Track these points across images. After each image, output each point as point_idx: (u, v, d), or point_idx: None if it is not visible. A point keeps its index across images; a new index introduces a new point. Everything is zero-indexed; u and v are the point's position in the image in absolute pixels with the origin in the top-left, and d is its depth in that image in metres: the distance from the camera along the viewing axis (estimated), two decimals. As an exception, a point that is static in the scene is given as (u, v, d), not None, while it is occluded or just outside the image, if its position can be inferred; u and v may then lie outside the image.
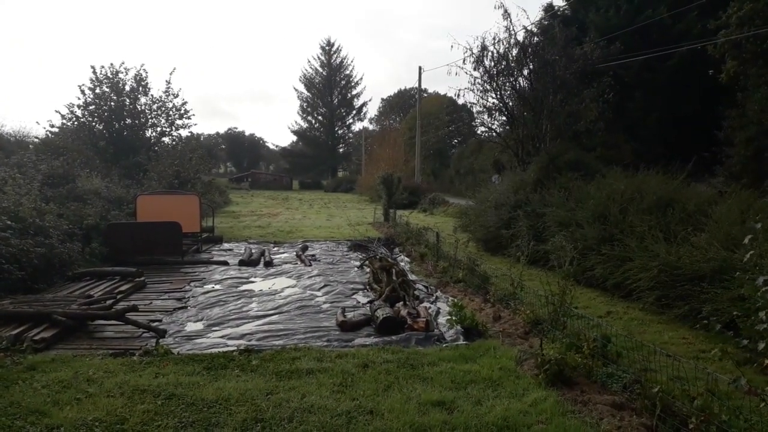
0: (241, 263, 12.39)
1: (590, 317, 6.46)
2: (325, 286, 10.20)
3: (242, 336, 7.01)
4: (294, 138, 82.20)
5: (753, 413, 4.15)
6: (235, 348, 6.35)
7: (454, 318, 7.37)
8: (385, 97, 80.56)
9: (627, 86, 22.36)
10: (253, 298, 9.14)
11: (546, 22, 20.41)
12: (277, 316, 8.05)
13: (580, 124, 16.42)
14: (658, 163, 12.74)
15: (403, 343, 6.66)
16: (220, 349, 6.37)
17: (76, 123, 22.95)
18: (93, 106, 22.96)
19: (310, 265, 12.33)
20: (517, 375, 5.52)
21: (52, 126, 23.10)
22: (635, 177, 11.77)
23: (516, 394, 5.05)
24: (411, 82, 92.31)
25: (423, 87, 45.41)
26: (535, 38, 17.18)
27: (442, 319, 7.84)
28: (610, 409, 4.73)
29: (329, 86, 76.62)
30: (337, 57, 77.19)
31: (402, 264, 12.19)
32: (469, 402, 4.85)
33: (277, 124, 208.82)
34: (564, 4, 25.93)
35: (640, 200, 10.51)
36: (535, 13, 32.56)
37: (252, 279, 10.91)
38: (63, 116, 22.80)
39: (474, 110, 18.94)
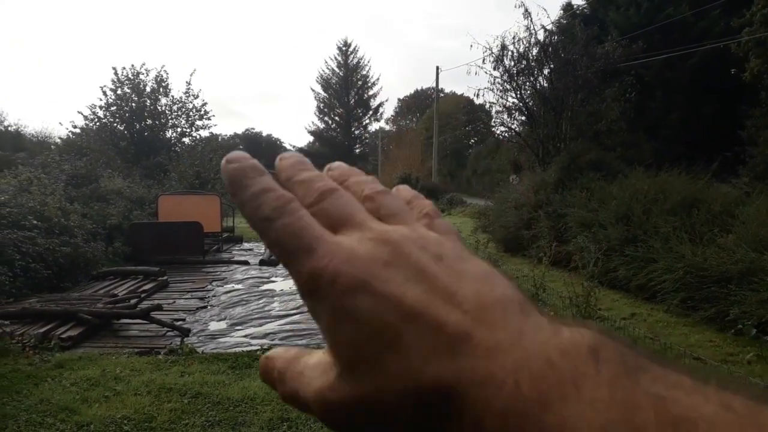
0: (262, 263, 12.46)
1: (615, 319, 6.40)
2: (345, 285, 10.19)
3: (265, 335, 7.05)
4: (311, 138, 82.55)
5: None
6: (259, 347, 6.39)
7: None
8: (401, 98, 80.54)
9: (647, 85, 22.10)
10: (275, 298, 9.18)
11: (564, 21, 20.24)
12: (298, 315, 8.07)
13: (601, 124, 16.23)
14: (679, 163, 12.57)
15: (426, 344, 6.63)
16: (244, 349, 6.41)
17: (97, 124, 23.27)
18: (114, 107, 23.23)
19: (330, 265, 12.34)
20: (542, 377, 5.47)
21: (75, 127, 23.49)
22: (658, 177, 11.60)
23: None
24: (427, 83, 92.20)
25: (440, 87, 45.23)
26: (555, 37, 17.02)
27: (463, 320, 7.80)
28: (638, 413, 4.67)
29: (346, 87, 76.73)
30: (354, 57, 77.29)
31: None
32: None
33: (293, 124, 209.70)
34: (583, 2, 25.67)
35: (663, 201, 10.36)
36: (554, 13, 32.35)
37: (273, 278, 10.96)
38: (85, 117, 23.15)
39: (493, 110, 18.77)
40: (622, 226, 10.37)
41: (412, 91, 77.44)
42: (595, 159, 14.05)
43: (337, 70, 77.31)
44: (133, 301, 8.08)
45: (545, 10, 19.79)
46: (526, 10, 16.66)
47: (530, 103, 17.64)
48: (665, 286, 8.49)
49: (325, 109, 78.07)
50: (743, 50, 17.93)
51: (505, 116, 18.78)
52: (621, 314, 8.01)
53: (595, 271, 5.87)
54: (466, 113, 51.15)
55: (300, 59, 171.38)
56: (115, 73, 23.28)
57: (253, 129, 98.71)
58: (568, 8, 25.20)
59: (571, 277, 9.88)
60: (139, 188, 17.30)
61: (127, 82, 23.39)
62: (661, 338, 6.03)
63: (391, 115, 79.89)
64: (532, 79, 17.28)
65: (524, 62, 17.08)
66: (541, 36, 17.11)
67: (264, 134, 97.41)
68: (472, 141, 55.90)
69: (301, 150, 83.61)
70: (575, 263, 10.01)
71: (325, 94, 77.70)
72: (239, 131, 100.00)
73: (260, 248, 14.93)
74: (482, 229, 15.64)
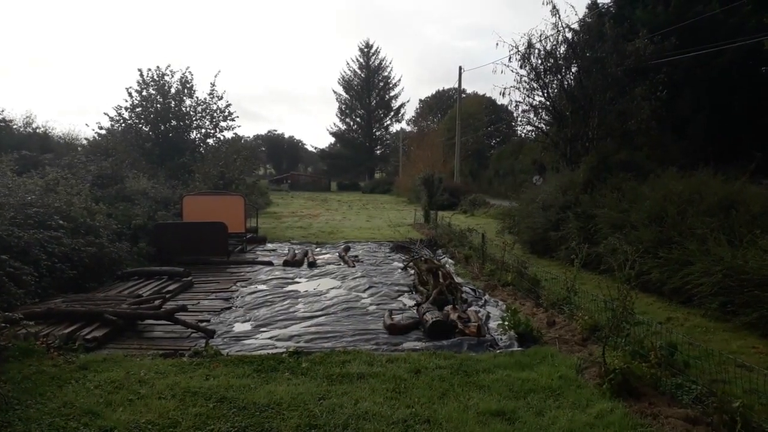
0: (285, 264, 12.37)
1: (651, 323, 6.12)
2: (369, 287, 10.06)
3: (290, 337, 6.91)
4: (332, 140, 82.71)
5: None
6: (284, 350, 6.25)
7: (507, 323, 7.10)
8: (423, 98, 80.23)
9: (676, 84, 21.55)
10: (299, 299, 9.06)
11: (589, 20, 19.81)
12: (324, 317, 7.94)
13: (631, 123, 15.82)
14: (710, 163, 12.18)
15: (455, 349, 6.44)
16: (269, 351, 6.29)
17: (123, 125, 23.47)
18: (140, 108, 23.40)
19: (354, 266, 12.22)
20: (578, 384, 5.24)
21: (101, 128, 23.70)
22: (693, 177, 11.23)
23: (579, 404, 4.78)
24: (449, 83, 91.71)
25: (462, 87, 44.84)
26: (584, 35, 16.65)
27: (492, 324, 7.59)
28: (684, 424, 4.42)
29: (367, 88, 76.78)
30: (375, 59, 77.34)
31: (447, 266, 11.95)
32: (530, 412, 4.60)
33: (315, 126, 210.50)
34: (609, 1, 25.13)
35: (699, 201, 10.00)
36: (581, 11, 31.78)
37: (297, 279, 10.86)
38: (111, 118, 23.35)
39: (519, 109, 18.42)
40: (655, 227, 10.04)
41: (434, 92, 77.11)
42: (626, 159, 13.69)
43: (358, 71, 77.48)
44: (157, 302, 8.01)
45: (573, 7, 19.40)
46: (554, 7, 16.34)
47: (557, 102, 17.30)
48: (702, 290, 8.18)
49: (347, 111, 78.22)
50: (775, 47, 17.32)
51: (532, 115, 18.45)
52: (656, 319, 7.69)
53: (632, 273, 5.59)
54: (487, 113, 50.72)
55: (322, 61, 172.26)
56: (141, 75, 23.48)
57: (276, 131, 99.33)
58: (593, 6, 24.69)
59: (603, 280, 9.61)
60: (164, 189, 17.38)
61: (152, 83, 23.55)
62: (700, 344, 5.73)
63: (413, 116, 79.72)
64: (559, 77, 16.96)
65: (551, 60, 16.75)
66: (569, 34, 16.77)
67: (286, 136, 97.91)
68: (494, 141, 55.39)
69: (322, 151, 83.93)
70: (606, 265, 9.71)
71: (347, 96, 77.90)
72: (260, 133, 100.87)
73: (284, 249, 14.87)
74: (508, 231, 15.35)
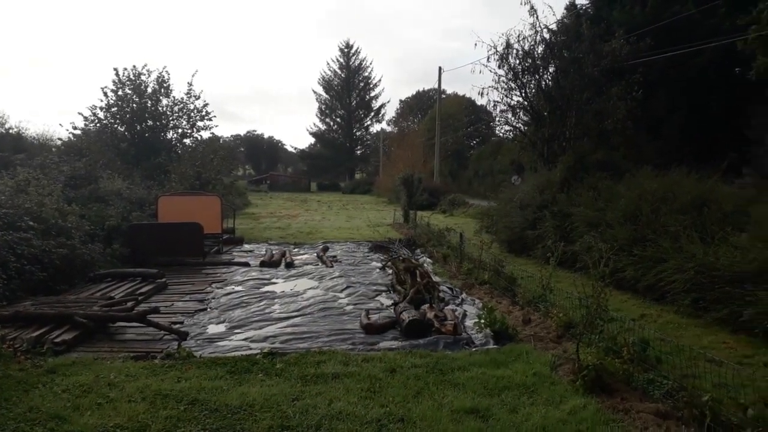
0: (263, 264, 12.26)
1: (624, 320, 6.19)
2: (347, 287, 10.01)
3: (265, 338, 6.84)
4: (312, 140, 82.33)
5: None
6: (259, 351, 6.18)
7: (483, 321, 7.12)
8: (403, 99, 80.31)
9: (651, 84, 21.86)
10: (276, 300, 8.99)
11: (567, 21, 19.99)
12: (300, 318, 7.88)
13: (608, 123, 16.00)
14: (685, 162, 12.37)
15: (431, 347, 6.44)
16: (243, 352, 6.22)
17: (98, 125, 23.10)
18: (115, 108, 23.07)
19: (332, 267, 12.16)
20: (552, 381, 5.27)
21: (75, 128, 23.29)
22: (667, 176, 11.39)
23: (553, 401, 4.81)
24: (429, 84, 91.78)
25: (442, 88, 44.99)
26: (561, 36, 16.80)
27: (469, 322, 7.61)
28: (655, 418, 4.47)
29: (348, 88, 76.60)
30: (355, 59, 77.18)
31: (425, 266, 11.95)
32: (504, 409, 4.61)
33: (295, 126, 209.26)
34: (587, 2, 25.41)
35: (673, 200, 10.15)
36: (558, 12, 32.09)
37: (274, 280, 10.77)
38: (85, 118, 22.97)
39: (497, 110, 18.50)
40: (630, 225, 10.17)
41: (414, 92, 77.22)
42: (602, 158, 13.85)
43: (338, 71, 77.23)
44: (129, 304, 7.88)
45: (551, 7, 19.57)
46: (532, 8, 16.45)
47: (535, 102, 17.43)
48: (675, 287, 8.30)
49: (327, 111, 77.93)
50: (750, 47, 17.66)
51: (510, 115, 18.56)
52: (630, 316, 7.77)
53: (606, 271, 5.64)
54: (467, 114, 50.95)
55: (302, 61, 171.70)
56: (117, 74, 23.14)
57: (255, 131, 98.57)
58: (571, 7, 24.94)
59: (578, 278, 9.69)
60: (139, 189, 17.14)
61: (128, 82, 23.24)
62: (673, 340, 5.81)
63: (393, 117, 79.74)
64: (537, 77, 17.08)
65: (529, 60, 16.87)
66: (546, 34, 16.91)
67: (266, 136, 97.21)
68: (474, 142, 55.66)
69: (302, 152, 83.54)
70: (582, 263, 9.80)
71: (327, 96, 77.60)
72: (239, 133, 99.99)
73: (261, 250, 14.75)
74: (486, 230, 15.42)
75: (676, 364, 5.31)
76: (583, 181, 13.01)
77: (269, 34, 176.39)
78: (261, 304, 8.68)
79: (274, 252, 13.59)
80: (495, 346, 6.51)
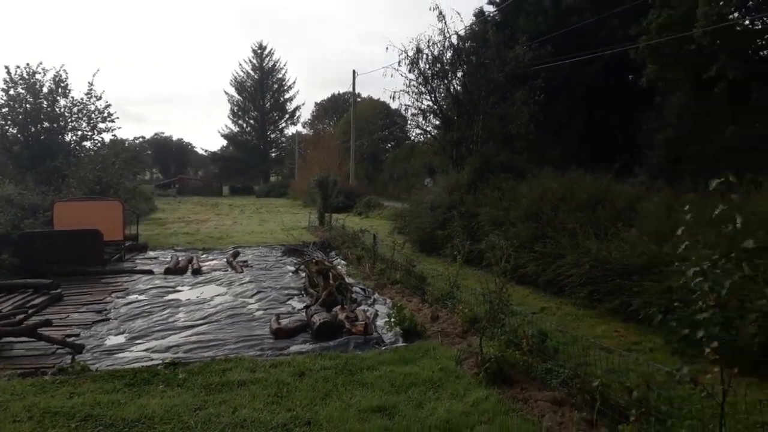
0: (167, 272, 11.75)
1: (526, 314, 6.49)
2: (258, 292, 9.81)
3: (168, 348, 6.56)
4: (224, 142, 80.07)
5: (685, 401, 4.21)
6: (160, 362, 5.91)
7: (393, 320, 7.21)
8: (318, 101, 79.95)
9: (555, 90, 23.12)
10: (180, 308, 8.63)
11: (476, 28, 20.75)
12: (206, 326, 7.62)
13: (512, 126, 16.74)
14: (581, 164, 13.17)
15: (341, 348, 6.44)
16: (144, 364, 5.92)
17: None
18: (6, 109, 21.43)
19: (242, 272, 11.88)
20: (457, 375, 5.42)
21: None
22: (566, 177, 12.06)
23: (457, 394, 4.94)
24: (344, 87, 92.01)
25: (357, 92, 45.20)
26: (469, 42, 17.40)
27: (380, 322, 7.68)
28: (551, 406, 4.70)
29: (261, 90, 75.22)
30: (269, 60, 75.99)
31: (339, 267, 11.94)
32: (410, 406, 4.69)
33: (205, 128, 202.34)
34: (495, 10, 26.48)
35: (571, 199, 10.76)
36: (468, 18, 33.25)
37: (179, 288, 10.35)
38: (-29, 120, 21.12)
39: (409, 114, 18.90)
40: (531, 223, 10.67)
41: (329, 95, 77.14)
42: (506, 161, 14.44)
43: (251, 72, 75.68)
44: (18, 317, 7.29)
45: (459, 14, 20.19)
46: (440, 13, 16.92)
47: (444, 106, 17.91)
48: (572, 280, 8.79)
49: (239, 113, 76.11)
50: (640, 55, 19.09)
51: (420, 119, 18.97)
52: (531, 309, 8.18)
53: (507, 267, 5.89)
54: (382, 117, 51.55)
55: (213, 62, 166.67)
56: (8, 73, 21.46)
57: (163, 133, 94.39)
58: (480, 14, 25.88)
59: (484, 275, 10.05)
60: (33, 195, 15.93)
61: (21, 81, 21.61)
62: (569, 330, 6.15)
63: (308, 119, 79.22)
64: (446, 82, 17.57)
65: (438, 65, 17.32)
66: (455, 40, 17.44)
67: (174, 138, 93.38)
68: (389, 145, 56.39)
69: (214, 154, 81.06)
70: (487, 261, 10.17)
71: (240, 97, 75.80)
72: (145, 135, 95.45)
73: (167, 256, 14.15)
74: (398, 231, 15.64)
75: (571, 353, 5.60)
76: (488, 182, 13.52)
77: (178, 34, 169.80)
78: (164, 312, 8.31)
79: (180, 258, 13.08)
80: (404, 344, 6.61)
